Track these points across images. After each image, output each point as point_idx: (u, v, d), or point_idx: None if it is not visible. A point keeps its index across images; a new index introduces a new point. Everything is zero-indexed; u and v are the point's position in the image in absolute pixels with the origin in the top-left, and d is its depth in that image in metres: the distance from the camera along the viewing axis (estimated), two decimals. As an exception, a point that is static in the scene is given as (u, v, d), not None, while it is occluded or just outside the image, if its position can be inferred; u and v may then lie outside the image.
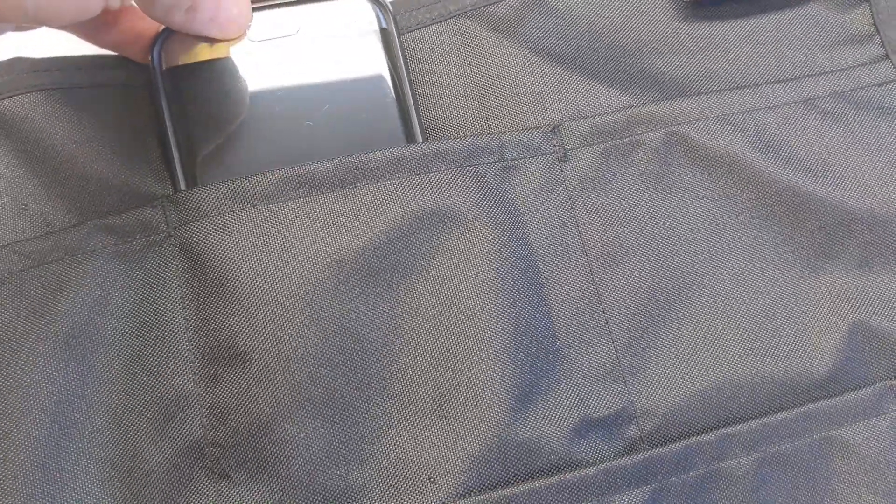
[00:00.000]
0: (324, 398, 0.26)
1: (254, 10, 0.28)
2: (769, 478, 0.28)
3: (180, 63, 0.27)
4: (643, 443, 0.28)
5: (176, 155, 0.28)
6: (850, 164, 0.31)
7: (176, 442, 0.26)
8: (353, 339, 0.26)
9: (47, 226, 0.27)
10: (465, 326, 0.27)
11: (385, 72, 0.28)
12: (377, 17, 0.28)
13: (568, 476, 0.26)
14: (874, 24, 0.33)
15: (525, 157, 0.29)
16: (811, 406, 0.29)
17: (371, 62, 0.28)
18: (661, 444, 0.28)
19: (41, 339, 0.26)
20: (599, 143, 0.30)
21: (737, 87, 0.31)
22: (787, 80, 0.31)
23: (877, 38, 0.33)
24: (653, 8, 0.32)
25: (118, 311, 0.27)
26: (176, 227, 0.27)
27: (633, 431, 0.28)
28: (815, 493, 0.28)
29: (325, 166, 0.27)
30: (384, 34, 0.28)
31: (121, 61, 0.29)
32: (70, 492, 0.26)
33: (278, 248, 0.26)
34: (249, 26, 0.28)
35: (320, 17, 0.28)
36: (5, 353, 0.26)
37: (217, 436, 0.26)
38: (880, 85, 0.32)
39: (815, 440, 0.28)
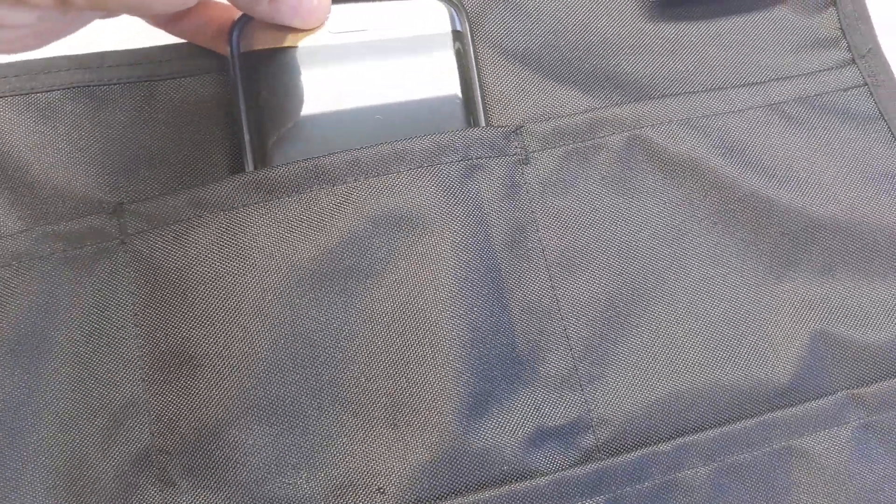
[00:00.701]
0: (274, 404, 0.26)
1: (333, 2, 0.28)
2: (727, 488, 0.27)
3: (257, 48, 0.28)
4: (599, 452, 0.27)
5: (247, 137, 0.28)
6: (814, 170, 0.30)
7: (124, 449, 0.26)
8: (305, 345, 0.26)
9: None
10: (420, 333, 0.26)
11: (455, 73, 0.29)
12: (452, 18, 0.29)
13: (519, 486, 0.26)
14: (841, 29, 0.32)
15: (489, 157, 0.29)
16: (771, 415, 0.28)
17: (442, 63, 0.29)
18: (617, 454, 0.27)
19: None
20: (561, 145, 0.30)
21: (702, 91, 0.31)
22: (753, 83, 0.31)
23: (843, 43, 0.32)
24: (619, 7, 0.32)
25: (66, 318, 0.27)
26: (131, 235, 0.27)
27: (588, 441, 0.27)
28: (775, 503, 0.28)
29: (279, 172, 0.27)
30: (457, 36, 0.29)
31: (79, 64, 0.29)
32: (14, 500, 0.25)
33: (233, 255, 0.26)
34: (328, 18, 0.28)
35: (396, 15, 0.28)
36: None
37: (165, 442, 0.26)
38: (846, 90, 0.31)
39: (775, 450, 0.28)
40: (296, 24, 0.27)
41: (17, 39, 0.22)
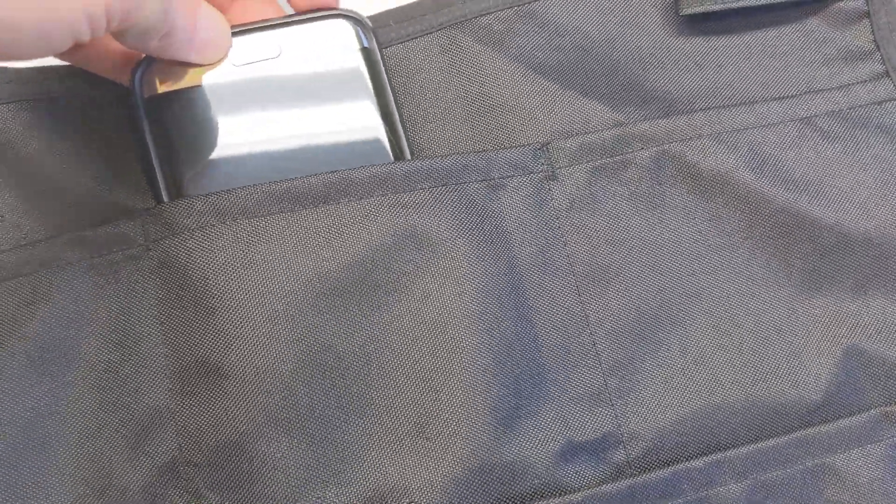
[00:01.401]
0: (301, 417, 0.26)
1: (234, 33, 0.27)
2: (759, 506, 0.27)
3: (162, 90, 0.27)
4: (630, 468, 0.27)
5: (161, 181, 0.27)
6: (847, 185, 0.30)
7: (150, 460, 0.26)
8: (332, 358, 0.26)
9: (23, 238, 0.27)
10: (447, 347, 0.26)
11: (369, 91, 0.28)
12: (358, 36, 0.28)
13: (552, 502, 0.26)
14: (874, 41, 0.32)
15: (513, 176, 0.29)
16: (804, 432, 0.28)
17: (354, 82, 0.28)
18: (649, 470, 0.27)
19: (13, 354, 0.26)
20: (589, 161, 0.29)
21: (731, 105, 0.31)
22: (784, 97, 0.31)
23: (877, 55, 0.32)
24: (647, 21, 0.31)
25: (92, 326, 0.27)
26: (155, 241, 0.27)
27: (619, 456, 0.27)
28: None
29: (307, 182, 0.27)
30: (366, 53, 0.28)
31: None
32: None
33: (258, 264, 0.26)
34: (229, 50, 0.27)
35: (301, 39, 0.28)
36: None
37: (192, 455, 0.26)
38: (879, 103, 0.31)
39: (808, 467, 0.28)
40: (193, 58, 0.27)
41: None
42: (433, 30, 0.31)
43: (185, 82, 0.27)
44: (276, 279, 0.26)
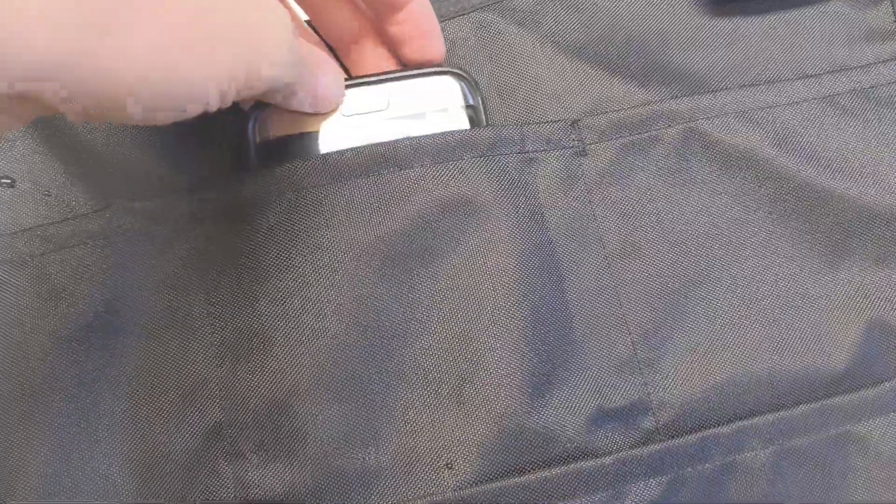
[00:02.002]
0: (343, 380, 0.26)
1: (347, 86, 0.28)
2: (785, 471, 0.28)
3: (273, 135, 0.28)
4: (659, 434, 0.28)
5: None
6: (869, 161, 0.31)
7: (195, 424, 0.27)
8: (373, 324, 0.27)
9: (70, 212, 0.28)
10: (483, 313, 0.27)
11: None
12: (464, 93, 0.29)
13: (584, 465, 0.27)
14: (896, 21, 0.33)
15: (545, 150, 0.29)
16: (829, 401, 0.29)
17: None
18: (678, 436, 0.28)
19: (62, 322, 0.26)
20: (618, 137, 0.30)
21: (756, 84, 0.31)
22: (807, 76, 0.32)
23: (898, 36, 0.33)
24: (674, 2, 0.32)
25: (140, 295, 0.27)
26: (203, 216, 0.28)
27: (649, 422, 0.28)
28: (831, 487, 0.28)
29: (350, 155, 0.27)
30: (471, 110, 0.29)
31: None
32: (90, 472, 0.26)
33: (302, 234, 0.27)
34: (342, 103, 0.28)
35: (409, 93, 0.29)
36: (26, 335, 0.26)
37: (236, 417, 0.27)
38: (901, 82, 0.32)
39: (832, 435, 0.28)
40: (308, 110, 0.28)
41: None
42: (465, 11, 0.31)
43: (296, 128, 0.28)
44: (320, 249, 0.27)
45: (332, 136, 0.28)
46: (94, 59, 0.17)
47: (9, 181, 0.28)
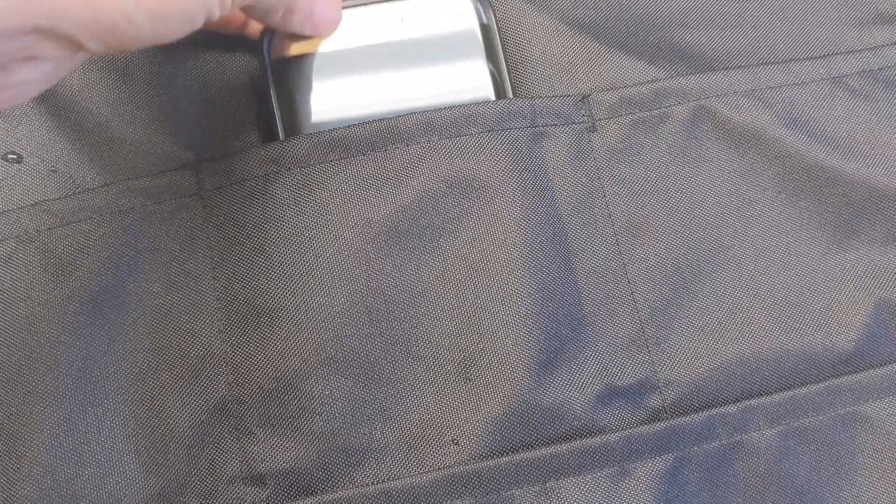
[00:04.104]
0: (350, 357, 0.26)
1: (356, 6, 0.29)
2: (792, 451, 0.28)
3: (287, 55, 0.29)
4: (666, 412, 0.28)
5: (282, 132, 0.29)
6: (877, 142, 0.31)
7: (201, 399, 0.27)
8: (380, 300, 0.27)
9: (76, 187, 0.28)
10: (491, 290, 0.27)
11: (484, 63, 0.29)
12: (477, 12, 0.29)
13: (590, 441, 0.26)
14: (904, 3, 0.33)
15: (556, 125, 0.29)
16: (836, 381, 0.28)
17: (470, 55, 0.29)
18: (684, 414, 0.28)
19: (69, 297, 0.26)
20: (628, 114, 0.30)
21: (765, 63, 0.31)
22: (816, 57, 0.31)
23: (907, 18, 0.33)
24: None
25: (146, 271, 0.27)
26: (211, 190, 0.28)
27: (655, 401, 0.28)
28: (839, 467, 0.28)
29: (357, 130, 0.27)
30: (484, 29, 0.29)
31: None
32: (95, 446, 0.26)
33: (309, 210, 0.27)
34: (339, 25, 0.29)
35: (423, 12, 0.29)
36: (33, 309, 0.26)
37: (242, 393, 0.27)
38: (909, 64, 0.32)
39: (840, 415, 0.28)
40: (308, 33, 0.28)
41: (20, 94, 0.21)
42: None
43: (309, 48, 0.29)
44: (327, 225, 0.27)
45: (344, 52, 0.29)
46: None
47: (15, 157, 0.28)
